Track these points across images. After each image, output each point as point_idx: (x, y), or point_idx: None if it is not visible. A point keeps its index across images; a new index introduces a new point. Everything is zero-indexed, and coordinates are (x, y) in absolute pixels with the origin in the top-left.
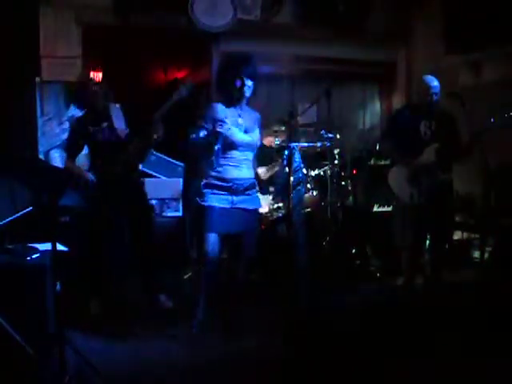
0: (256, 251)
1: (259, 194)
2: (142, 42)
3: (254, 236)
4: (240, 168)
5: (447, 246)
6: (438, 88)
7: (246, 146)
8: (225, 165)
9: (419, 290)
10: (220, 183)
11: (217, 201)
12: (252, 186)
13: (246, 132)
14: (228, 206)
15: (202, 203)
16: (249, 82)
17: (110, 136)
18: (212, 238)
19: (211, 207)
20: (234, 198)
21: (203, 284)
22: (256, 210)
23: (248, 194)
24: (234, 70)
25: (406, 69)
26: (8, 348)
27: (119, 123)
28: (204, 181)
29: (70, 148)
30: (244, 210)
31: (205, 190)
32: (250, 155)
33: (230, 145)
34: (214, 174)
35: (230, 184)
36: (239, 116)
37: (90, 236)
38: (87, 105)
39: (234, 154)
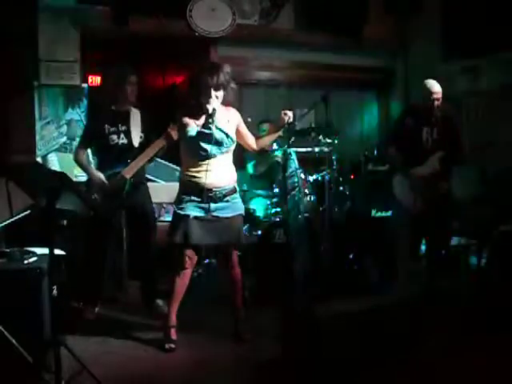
0: (241, 255)
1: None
2: (140, 46)
3: (238, 243)
4: (217, 173)
5: (444, 252)
6: (440, 93)
7: (221, 147)
8: (200, 169)
9: (416, 296)
10: (195, 190)
11: (192, 209)
12: (232, 192)
13: (219, 131)
14: (204, 214)
15: (178, 211)
16: (219, 93)
17: (124, 140)
18: (186, 250)
19: (187, 216)
20: (212, 205)
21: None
22: (237, 217)
23: (227, 201)
24: (201, 81)
25: (404, 75)
26: (3, 352)
27: (136, 128)
28: (181, 186)
29: (85, 140)
30: (223, 218)
31: (182, 196)
32: (227, 157)
33: (202, 146)
34: (189, 178)
35: (207, 192)
36: (211, 117)
37: (88, 240)
38: (115, 104)
39: (209, 156)
